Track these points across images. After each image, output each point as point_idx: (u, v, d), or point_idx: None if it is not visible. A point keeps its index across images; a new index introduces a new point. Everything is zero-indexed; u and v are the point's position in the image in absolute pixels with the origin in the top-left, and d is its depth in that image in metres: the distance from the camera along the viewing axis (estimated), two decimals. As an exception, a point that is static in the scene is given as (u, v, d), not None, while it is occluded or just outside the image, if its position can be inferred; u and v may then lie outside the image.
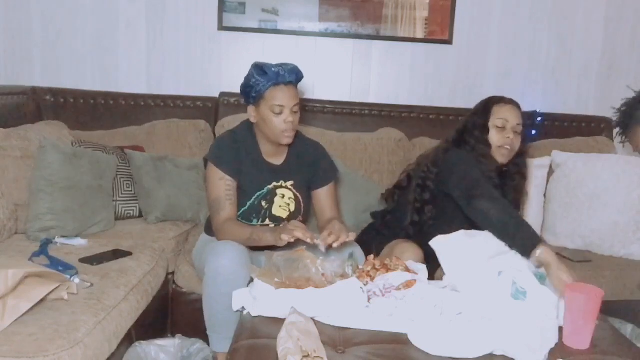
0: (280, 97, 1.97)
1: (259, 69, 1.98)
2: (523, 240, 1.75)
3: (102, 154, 2.53)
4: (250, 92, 2.00)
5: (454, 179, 2.02)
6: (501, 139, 2.11)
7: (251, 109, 2.04)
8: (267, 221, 2.10)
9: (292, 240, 1.77)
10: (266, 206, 2.09)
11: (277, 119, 1.98)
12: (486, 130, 2.13)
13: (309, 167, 2.16)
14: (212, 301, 1.90)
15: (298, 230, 1.77)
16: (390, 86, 3.12)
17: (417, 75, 3.10)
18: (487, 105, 2.17)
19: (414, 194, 2.18)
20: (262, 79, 1.97)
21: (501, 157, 2.13)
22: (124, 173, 2.57)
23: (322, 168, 2.18)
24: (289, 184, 2.12)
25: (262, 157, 2.10)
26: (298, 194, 2.13)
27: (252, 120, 2.05)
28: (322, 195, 2.16)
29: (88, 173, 2.37)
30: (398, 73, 3.11)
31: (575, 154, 2.77)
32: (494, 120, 2.13)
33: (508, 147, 2.11)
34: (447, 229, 1.84)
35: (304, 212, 2.17)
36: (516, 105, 2.17)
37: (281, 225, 1.92)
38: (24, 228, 2.23)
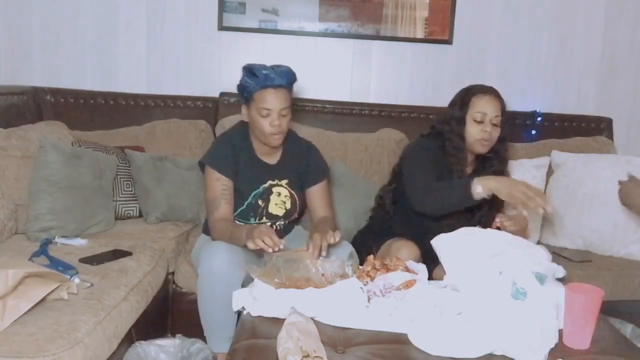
0: (268, 100, 1.98)
1: (249, 71, 2.00)
2: (460, 192, 1.93)
3: (102, 154, 2.52)
4: (243, 93, 2.04)
5: (407, 184, 2.12)
6: (479, 133, 2.11)
7: (244, 108, 2.07)
8: (264, 219, 2.13)
9: (257, 248, 1.74)
10: (263, 205, 2.11)
11: (264, 121, 2.00)
12: (463, 122, 2.12)
13: (302, 166, 2.18)
14: (207, 302, 1.91)
15: (262, 237, 1.73)
16: (390, 86, 3.11)
17: (417, 75, 3.10)
18: (466, 97, 2.15)
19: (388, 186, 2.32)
20: (251, 81, 1.98)
21: (481, 147, 2.13)
22: (124, 173, 2.57)
23: (314, 167, 2.20)
24: (284, 182, 2.14)
25: (256, 157, 2.12)
26: (293, 192, 2.16)
27: (245, 119, 2.08)
28: (314, 194, 2.18)
29: (88, 173, 2.37)
30: (398, 73, 3.11)
31: (575, 154, 2.77)
32: (472, 114, 2.11)
33: (487, 140, 2.11)
34: (408, 220, 2.12)
35: (300, 210, 2.19)
36: (495, 94, 2.15)
37: (254, 227, 1.88)
38: (24, 228, 2.23)
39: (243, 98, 2.05)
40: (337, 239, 1.82)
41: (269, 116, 1.99)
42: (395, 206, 2.28)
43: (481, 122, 2.10)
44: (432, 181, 2.03)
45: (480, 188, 1.89)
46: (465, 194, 1.92)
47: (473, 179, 1.93)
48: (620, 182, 2.15)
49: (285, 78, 2.00)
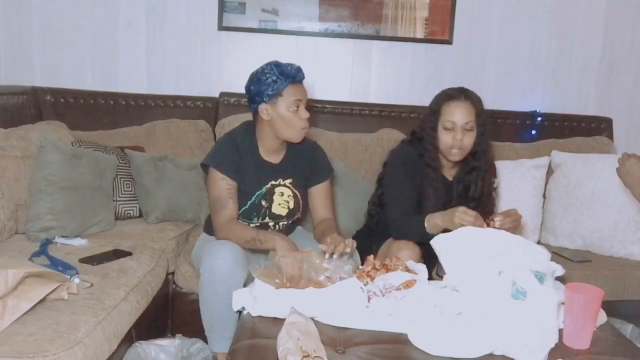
0: (298, 92, 2.02)
1: (277, 67, 2.00)
2: (417, 230, 2.01)
3: (102, 154, 2.52)
4: (266, 91, 1.99)
5: (385, 206, 2.19)
6: (449, 140, 2.09)
7: (265, 107, 2.02)
8: (267, 219, 2.12)
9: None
10: (266, 205, 2.10)
11: (296, 116, 2.01)
12: (436, 130, 2.12)
13: (306, 165, 2.18)
14: (208, 301, 1.91)
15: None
16: (390, 86, 3.11)
17: (417, 75, 3.10)
18: (437, 104, 2.14)
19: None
20: (282, 77, 1.99)
21: (452, 156, 2.12)
22: (124, 173, 2.57)
23: (318, 166, 2.20)
24: (287, 181, 2.13)
25: (260, 157, 2.11)
26: (296, 192, 2.15)
27: (266, 118, 2.03)
28: (317, 193, 2.18)
29: (88, 173, 2.37)
30: (398, 73, 3.11)
31: (575, 154, 2.77)
32: (443, 122, 2.09)
33: (457, 148, 2.09)
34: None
35: (302, 209, 2.19)
36: (466, 97, 2.11)
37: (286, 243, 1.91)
38: (24, 228, 2.23)
39: (265, 96, 2.00)
40: (351, 249, 1.87)
41: (299, 108, 2.02)
42: (383, 211, 2.27)
43: (451, 129, 2.09)
44: (405, 206, 2.10)
45: (426, 224, 1.99)
46: (423, 231, 1.99)
47: (426, 216, 2.01)
48: (623, 157, 1.96)
49: (302, 73, 2.05)
